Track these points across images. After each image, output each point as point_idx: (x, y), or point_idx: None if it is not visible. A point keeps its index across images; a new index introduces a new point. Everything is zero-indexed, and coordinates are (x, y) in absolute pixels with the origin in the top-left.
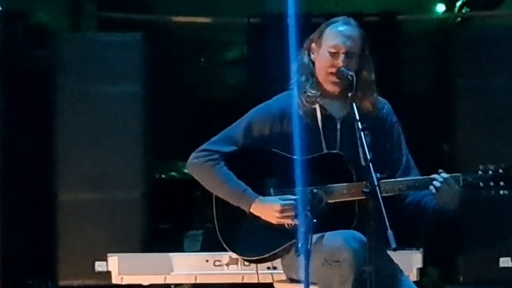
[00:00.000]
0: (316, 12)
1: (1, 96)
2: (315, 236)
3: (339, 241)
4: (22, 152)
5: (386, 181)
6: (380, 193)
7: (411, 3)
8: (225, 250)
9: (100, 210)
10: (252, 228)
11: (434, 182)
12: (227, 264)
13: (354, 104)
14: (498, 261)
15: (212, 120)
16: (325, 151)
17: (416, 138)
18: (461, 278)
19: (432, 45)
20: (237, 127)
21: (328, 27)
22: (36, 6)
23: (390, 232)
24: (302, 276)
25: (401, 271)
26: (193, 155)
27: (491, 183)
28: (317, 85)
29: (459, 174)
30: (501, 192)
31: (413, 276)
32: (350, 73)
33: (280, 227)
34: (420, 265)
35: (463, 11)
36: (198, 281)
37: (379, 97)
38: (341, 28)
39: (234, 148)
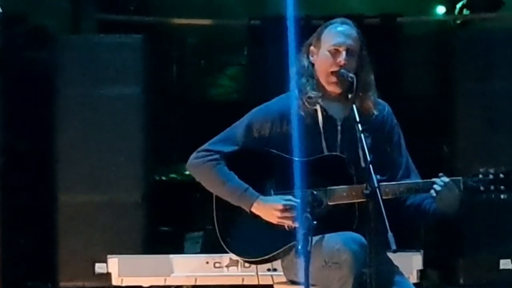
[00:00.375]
0: (316, 15)
1: (1, 98)
2: (315, 238)
3: (339, 243)
4: (23, 154)
5: (387, 183)
6: (381, 195)
7: (411, 5)
8: (225, 252)
9: (100, 212)
10: (252, 230)
11: (435, 186)
12: (227, 266)
13: (354, 106)
14: (498, 263)
15: (212, 122)
16: (326, 152)
17: (416, 140)
18: (461, 280)
19: (432, 47)
20: (238, 128)
21: (327, 28)
22: (36, 8)
23: (390, 234)
24: (302, 278)
25: (401, 273)
26: (193, 155)
27: (492, 187)
28: (318, 86)
29: (460, 178)
30: (501, 196)
31: (413, 278)
32: (351, 74)
33: (280, 229)
34: (420, 267)
35: (463, 13)
36: (198, 283)
37: (379, 100)
38: (340, 28)
39: (235, 148)
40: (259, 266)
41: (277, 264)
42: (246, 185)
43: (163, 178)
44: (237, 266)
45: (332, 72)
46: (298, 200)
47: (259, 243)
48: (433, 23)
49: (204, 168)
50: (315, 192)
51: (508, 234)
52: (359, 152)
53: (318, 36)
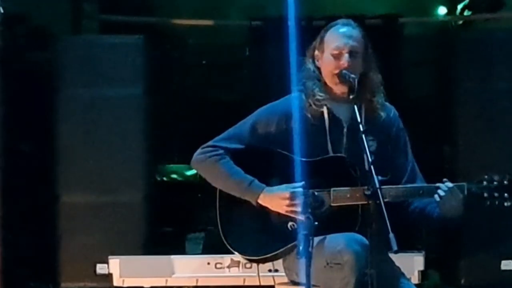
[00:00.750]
0: (317, 15)
1: (2, 99)
2: (317, 239)
3: (341, 244)
4: (24, 155)
5: (390, 187)
6: (382, 195)
7: (413, 6)
8: (227, 253)
9: (101, 213)
10: (255, 228)
11: (439, 191)
12: (229, 267)
13: (356, 106)
14: (500, 263)
15: (213, 122)
16: (331, 154)
17: (418, 141)
18: (462, 281)
19: (434, 48)
20: (243, 126)
21: (328, 31)
22: (37, 8)
23: (391, 235)
24: (303, 278)
25: (403, 274)
26: (198, 151)
27: (496, 194)
28: (325, 88)
29: (464, 184)
30: (505, 203)
31: (414, 279)
32: (352, 75)
33: (282, 228)
34: (421, 267)
35: (465, 13)
36: (199, 284)
37: (386, 103)
38: (341, 30)
39: (240, 146)
40: (260, 266)
41: (279, 264)
42: (252, 178)
43: (164, 178)
44: (238, 267)
45: (336, 74)
46: (303, 185)
47: (261, 242)
48: (434, 24)
49: (209, 163)
50: (316, 193)
51: (509, 235)
52: (364, 154)
53: (321, 39)
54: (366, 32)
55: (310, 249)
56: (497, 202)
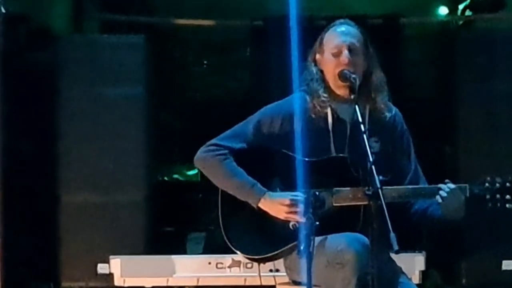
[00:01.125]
0: (318, 15)
1: (3, 98)
2: (318, 238)
3: (342, 244)
4: (25, 155)
5: (392, 187)
6: (383, 195)
7: (414, 6)
8: (228, 253)
9: (102, 212)
10: (256, 228)
11: (440, 192)
12: (230, 267)
13: (357, 107)
14: (501, 264)
15: (215, 122)
16: (334, 154)
17: (419, 141)
18: (463, 281)
19: (435, 48)
20: (247, 125)
21: (326, 32)
22: (38, 8)
23: (392, 235)
24: (305, 278)
25: (404, 273)
26: (201, 149)
27: (498, 196)
28: (329, 90)
29: (466, 185)
30: (507, 205)
31: (415, 279)
32: (353, 75)
33: (283, 228)
34: (422, 267)
35: (466, 13)
36: (200, 284)
37: (390, 103)
38: (339, 29)
39: (243, 145)
40: (261, 266)
41: (280, 264)
42: (254, 181)
43: (166, 178)
44: (239, 266)
45: (339, 75)
46: (306, 196)
47: (263, 241)
48: (435, 24)
49: (212, 162)
50: (317, 193)
51: (510, 235)
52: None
53: (320, 41)
54: (367, 32)
55: (311, 248)
56: (499, 204)
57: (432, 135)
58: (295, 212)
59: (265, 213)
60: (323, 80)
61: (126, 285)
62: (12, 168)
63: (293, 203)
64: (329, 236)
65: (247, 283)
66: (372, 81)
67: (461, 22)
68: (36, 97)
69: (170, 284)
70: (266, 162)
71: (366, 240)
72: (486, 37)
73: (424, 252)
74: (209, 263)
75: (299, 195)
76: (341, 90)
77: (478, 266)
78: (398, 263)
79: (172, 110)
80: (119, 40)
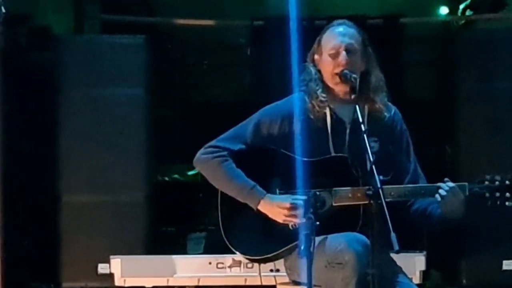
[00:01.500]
0: (319, 15)
1: (4, 99)
2: (318, 239)
3: (342, 244)
4: (26, 155)
5: (391, 186)
6: (384, 196)
7: (414, 6)
8: (228, 253)
9: (103, 213)
10: (256, 228)
11: (440, 191)
12: (230, 267)
13: (357, 107)
14: (501, 264)
15: (215, 123)
16: (333, 154)
17: (419, 141)
18: (464, 281)
19: (436, 48)
20: (246, 126)
21: (325, 33)
22: (39, 8)
23: (393, 235)
24: (305, 278)
25: (404, 273)
26: (201, 150)
27: (497, 194)
28: (327, 90)
29: (465, 183)
30: (506, 203)
31: (416, 279)
32: (354, 75)
33: (283, 228)
34: (423, 268)
35: (467, 13)
36: (201, 284)
37: (389, 103)
38: (336, 30)
39: (242, 146)
40: (261, 266)
41: (280, 264)
42: (253, 183)
43: (166, 178)
44: (240, 266)
45: (339, 76)
46: (305, 198)
47: (263, 241)
48: (436, 24)
49: (211, 164)
50: (318, 193)
51: (511, 235)
52: (366, 154)
53: (318, 42)
54: (367, 32)
55: (311, 249)
56: (498, 202)
57: (432, 135)
58: (294, 216)
59: (265, 214)
60: (321, 80)
61: (126, 285)
62: (12, 168)
63: (293, 207)
64: (329, 236)
65: (248, 283)
66: (370, 81)
67: (461, 22)
68: (36, 97)
69: (170, 284)
70: (266, 163)
71: (366, 240)
72: (486, 37)
73: (424, 252)
74: (210, 263)
75: (299, 198)
76: (339, 90)
77: (479, 266)
78: (399, 263)
79: (172, 110)
80: (119, 41)
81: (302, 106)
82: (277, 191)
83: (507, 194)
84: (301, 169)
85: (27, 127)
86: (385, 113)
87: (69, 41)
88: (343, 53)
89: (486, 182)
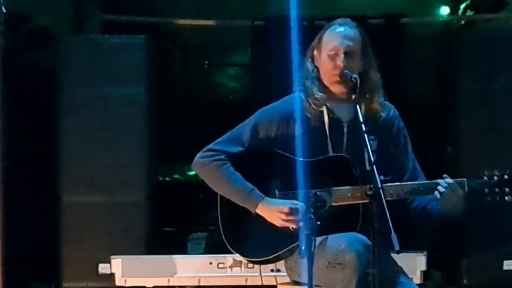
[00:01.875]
0: (319, 15)
1: (4, 99)
2: (319, 239)
3: (343, 244)
4: (26, 155)
5: (391, 184)
6: (384, 195)
7: (415, 6)
8: (229, 253)
9: (103, 213)
10: (256, 230)
11: (439, 187)
12: (231, 267)
13: (357, 106)
14: (502, 264)
15: (216, 123)
16: (331, 154)
17: (420, 140)
18: (464, 281)
19: (436, 48)
20: (244, 128)
21: (326, 31)
22: (39, 8)
23: (393, 235)
24: (305, 278)
25: (405, 274)
26: (199, 154)
27: (496, 189)
28: (324, 88)
29: (464, 179)
30: (506, 198)
31: (416, 279)
32: (354, 75)
33: (284, 229)
34: (424, 268)
35: (467, 13)
36: (201, 284)
37: (386, 102)
38: (338, 30)
39: (240, 149)
40: (262, 266)
41: (281, 264)
42: (252, 186)
43: (167, 178)
44: (240, 266)
45: (337, 74)
46: (303, 204)
47: (263, 243)
48: (437, 24)
49: (210, 168)
50: (318, 193)
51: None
52: (365, 153)
53: (319, 39)
54: (368, 32)
55: (312, 249)
56: (497, 197)
57: (432, 134)
58: (292, 221)
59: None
60: (318, 78)
61: (127, 285)
62: (12, 168)
63: (291, 212)
64: (329, 237)
65: (248, 283)
66: (367, 82)
67: (462, 22)
68: (36, 97)
69: (171, 284)
70: (264, 164)
71: (366, 240)
72: (487, 37)
73: (425, 252)
74: (210, 263)
75: (298, 203)
76: (335, 89)
77: (479, 266)
78: (399, 263)
79: (173, 110)
80: (120, 41)
81: (299, 106)
82: (276, 192)
83: (506, 189)
84: (300, 170)
85: (28, 127)
86: (382, 113)
87: (69, 41)
88: (341, 56)
89: (485, 178)
